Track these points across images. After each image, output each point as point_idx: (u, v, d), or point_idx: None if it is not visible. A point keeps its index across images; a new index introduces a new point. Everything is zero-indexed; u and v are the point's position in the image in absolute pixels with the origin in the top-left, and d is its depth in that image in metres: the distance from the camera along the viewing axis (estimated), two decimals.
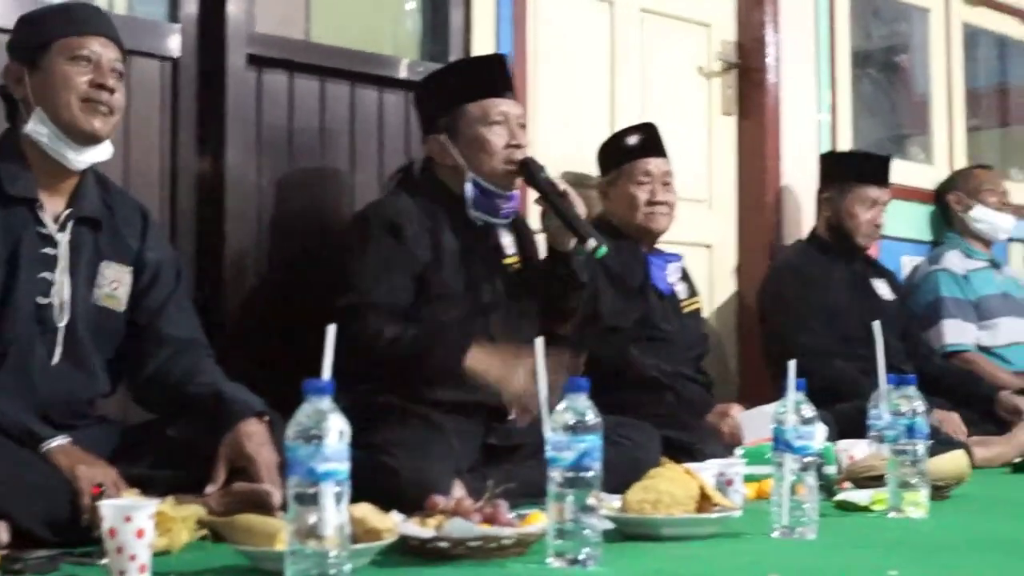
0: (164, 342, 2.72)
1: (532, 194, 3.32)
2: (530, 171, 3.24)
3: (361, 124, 3.65)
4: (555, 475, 1.95)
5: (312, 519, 1.67)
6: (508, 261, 3.31)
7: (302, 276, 3.45)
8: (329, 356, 1.75)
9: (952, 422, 4.26)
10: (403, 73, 3.71)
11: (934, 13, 5.70)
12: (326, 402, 1.70)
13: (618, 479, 2.49)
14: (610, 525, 2.30)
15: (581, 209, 3.19)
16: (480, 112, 3.26)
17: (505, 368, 3.00)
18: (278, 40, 3.48)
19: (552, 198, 3.20)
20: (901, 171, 5.32)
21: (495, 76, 3.35)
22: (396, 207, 3.21)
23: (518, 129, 3.29)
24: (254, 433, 2.50)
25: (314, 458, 1.67)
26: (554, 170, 4.00)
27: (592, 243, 3.11)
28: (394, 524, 2.07)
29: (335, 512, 1.68)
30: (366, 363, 3.02)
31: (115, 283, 2.69)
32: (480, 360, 3.03)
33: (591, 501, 1.94)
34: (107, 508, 1.88)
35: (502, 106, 3.28)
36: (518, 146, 3.26)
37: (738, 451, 3.22)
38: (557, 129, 4.10)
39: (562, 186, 3.21)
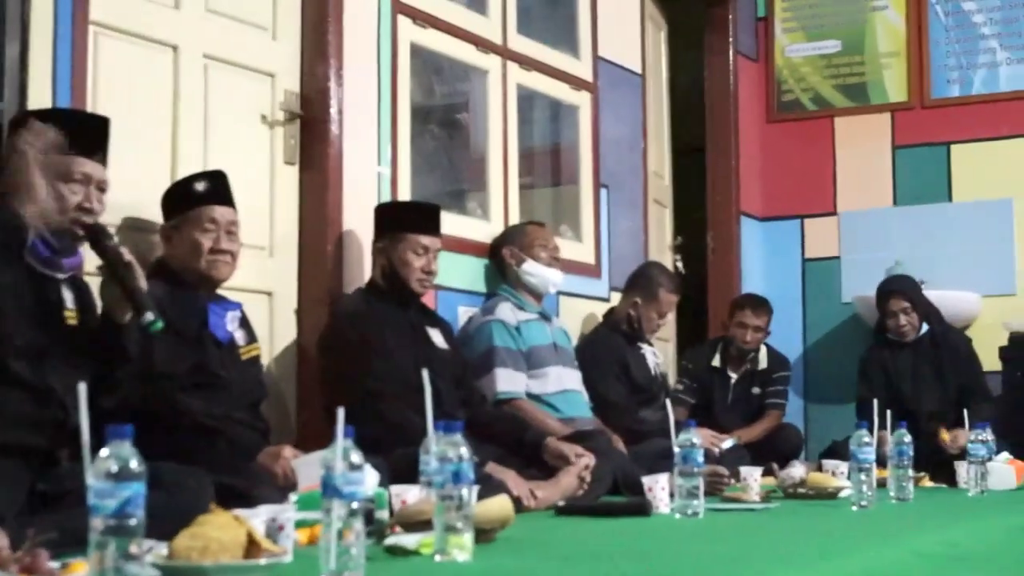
0: None
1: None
2: (98, 237, 3.22)
3: None
4: (97, 523, 1.92)
5: None
6: (67, 315, 3.25)
7: None
8: None
9: None
10: None
11: (492, 75, 5.92)
12: None
13: (170, 526, 2.47)
14: (156, 573, 2.28)
15: (143, 283, 3.18)
16: (64, 168, 3.24)
17: None
18: None
19: (116, 267, 3.18)
20: (458, 225, 5.51)
21: (88, 135, 3.33)
22: None
23: (96, 193, 3.28)
24: None
25: None
26: (114, 215, 3.96)
27: (149, 316, 3.11)
28: None
29: None
30: None
31: None
32: None
33: (133, 549, 1.92)
34: None
35: (87, 167, 3.27)
36: (89, 211, 3.25)
37: (292, 497, 3.24)
38: (117, 173, 4.00)
39: (127, 256, 3.20)
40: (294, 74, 4.88)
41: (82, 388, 2.03)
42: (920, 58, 7.93)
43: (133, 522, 1.92)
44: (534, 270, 5.53)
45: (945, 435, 6.20)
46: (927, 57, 7.92)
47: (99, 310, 3.36)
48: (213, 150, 4.47)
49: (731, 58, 8.02)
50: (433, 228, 4.79)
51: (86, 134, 3.33)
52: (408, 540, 2.88)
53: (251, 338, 4.15)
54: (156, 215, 4.08)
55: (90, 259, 3.33)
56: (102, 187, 3.30)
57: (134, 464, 1.94)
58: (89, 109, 3.95)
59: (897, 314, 6.66)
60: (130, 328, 3.25)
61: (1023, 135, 7.67)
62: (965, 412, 5.73)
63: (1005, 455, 5.91)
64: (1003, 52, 7.77)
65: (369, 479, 2.93)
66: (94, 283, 3.40)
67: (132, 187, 4.11)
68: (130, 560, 1.92)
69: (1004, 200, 7.65)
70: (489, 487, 3.75)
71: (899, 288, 6.74)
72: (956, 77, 7.86)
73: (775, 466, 5.82)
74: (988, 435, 5.39)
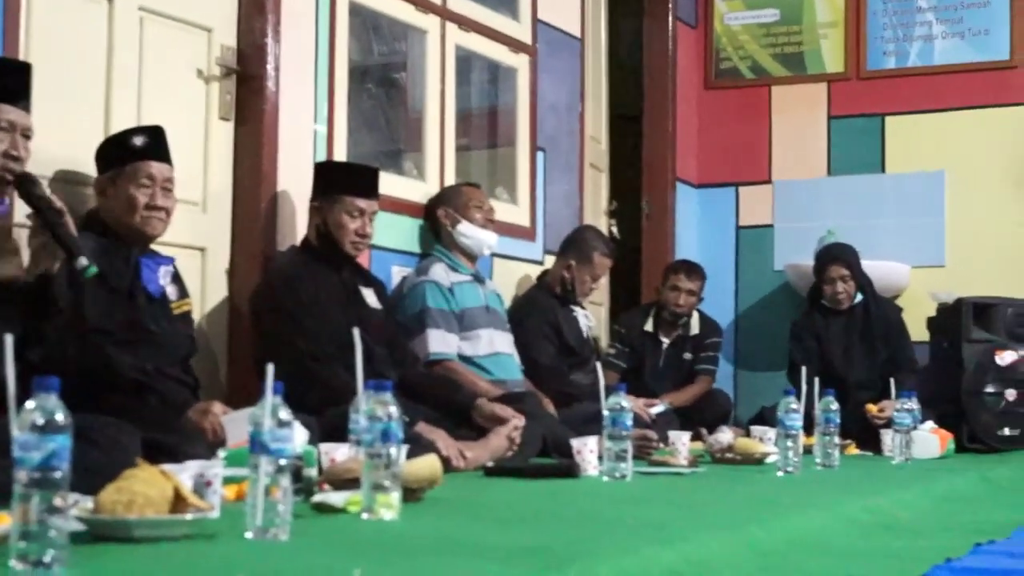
0: None
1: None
2: (26, 186, 3.19)
3: None
4: (21, 475, 1.91)
5: None
6: None
7: None
8: None
9: None
10: None
11: (431, 35, 5.89)
12: None
13: (97, 480, 2.46)
14: (80, 527, 2.27)
15: (73, 230, 3.16)
16: None
17: None
18: None
19: (47, 214, 3.15)
20: (394, 185, 5.50)
21: (11, 82, 3.29)
22: None
23: (21, 139, 3.24)
24: None
25: None
26: (45, 168, 3.92)
27: (83, 261, 3.08)
28: None
29: None
30: None
31: None
32: None
33: (58, 502, 1.91)
34: None
35: (10, 114, 3.24)
36: (16, 158, 3.22)
37: (220, 453, 3.24)
38: (50, 126, 3.97)
39: (58, 203, 3.17)
40: (231, 29, 4.84)
41: (8, 339, 2.02)
42: (857, 29, 7.98)
43: (58, 475, 1.91)
44: (468, 231, 5.53)
45: (872, 408, 6.27)
46: (864, 28, 7.96)
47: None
48: (147, 104, 4.43)
49: (670, 24, 8.03)
50: (370, 191, 4.78)
51: (8, 80, 3.29)
52: (336, 498, 2.89)
53: (183, 293, 4.13)
54: (88, 168, 4.05)
55: (19, 209, 3.31)
56: (27, 134, 3.26)
57: (60, 417, 1.92)
58: (21, 60, 3.90)
59: (835, 281, 6.72)
60: (59, 278, 3.22)
61: (956, 108, 7.74)
62: (891, 381, 5.79)
63: (930, 424, 6.00)
64: (939, 25, 7.82)
65: (297, 436, 2.92)
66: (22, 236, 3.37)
67: (64, 140, 4.08)
68: (55, 513, 1.91)
69: (936, 172, 7.73)
70: (418, 447, 3.76)
71: (840, 255, 6.79)
72: (892, 49, 7.92)
73: (703, 431, 5.88)
74: (913, 404, 5.47)
